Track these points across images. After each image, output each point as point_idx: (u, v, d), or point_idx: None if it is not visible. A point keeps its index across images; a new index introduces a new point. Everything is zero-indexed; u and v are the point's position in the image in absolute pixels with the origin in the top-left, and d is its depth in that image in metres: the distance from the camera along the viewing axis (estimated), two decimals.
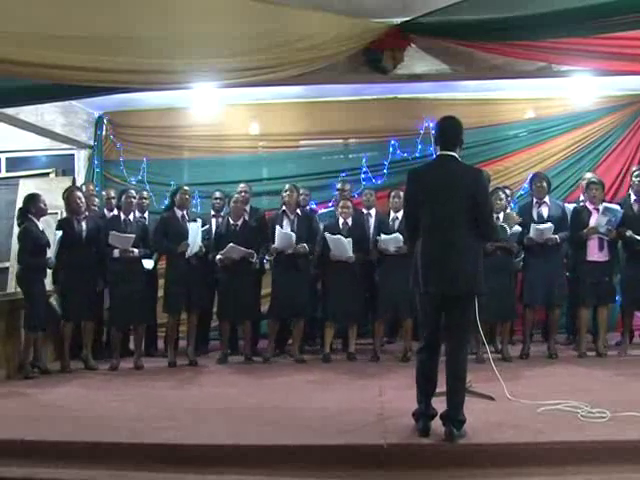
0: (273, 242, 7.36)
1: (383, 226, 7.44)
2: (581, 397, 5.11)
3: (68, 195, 7.32)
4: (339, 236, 7.25)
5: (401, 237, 7.06)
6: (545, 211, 7.21)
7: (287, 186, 7.69)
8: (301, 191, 7.94)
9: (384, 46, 6.19)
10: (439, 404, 4.47)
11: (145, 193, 8.22)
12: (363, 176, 9.36)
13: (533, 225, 7.09)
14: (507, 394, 5.28)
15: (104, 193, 8.63)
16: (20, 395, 6.15)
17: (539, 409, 4.95)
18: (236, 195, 7.68)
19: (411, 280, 4.53)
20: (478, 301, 4.49)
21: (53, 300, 7.24)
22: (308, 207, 8.27)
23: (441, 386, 4.45)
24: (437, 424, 4.42)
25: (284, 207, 7.56)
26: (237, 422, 4.97)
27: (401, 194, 7.36)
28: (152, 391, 6.19)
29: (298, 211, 7.62)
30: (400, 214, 7.31)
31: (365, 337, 8.25)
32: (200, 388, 6.31)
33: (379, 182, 9.20)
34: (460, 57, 6.25)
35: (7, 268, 7.32)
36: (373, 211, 8.01)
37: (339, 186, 8.24)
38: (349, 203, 7.63)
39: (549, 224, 7.09)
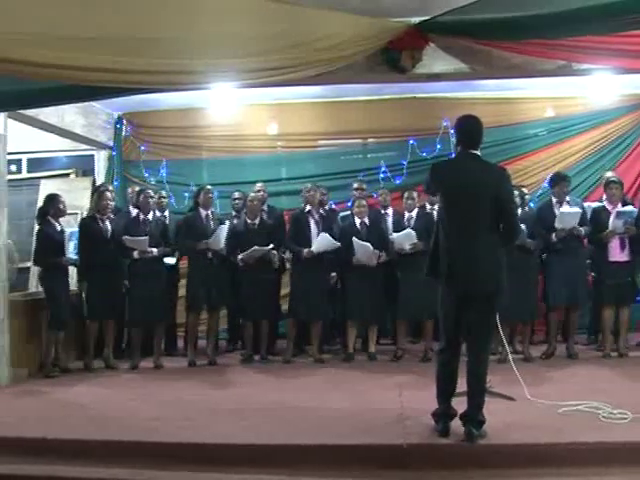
0: (301, 242, 7.35)
1: (398, 225, 7.43)
2: (602, 398, 5.06)
3: (100, 194, 7.38)
4: (368, 244, 7.24)
5: (413, 232, 7.05)
6: (566, 210, 7.14)
7: (309, 185, 7.69)
8: (309, 186, 7.90)
9: (402, 45, 6.15)
10: (459, 404, 4.45)
11: (163, 192, 8.25)
12: (382, 176, 9.31)
13: (560, 210, 7.03)
14: (527, 395, 5.25)
15: (129, 190, 8.67)
16: (42, 394, 6.21)
17: (560, 410, 4.92)
18: (252, 194, 7.70)
19: (427, 267, 4.52)
20: (499, 301, 4.47)
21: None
22: (328, 207, 8.26)
23: (461, 386, 4.43)
24: (457, 424, 4.41)
25: (308, 207, 7.56)
26: (256, 421, 4.98)
27: (414, 194, 7.45)
28: (171, 390, 6.21)
29: (322, 210, 7.61)
30: (414, 213, 7.35)
31: (385, 337, 8.24)
32: (219, 388, 6.32)
33: (398, 182, 9.16)
34: (479, 56, 6.21)
35: (28, 268, 7.39)
36: (390, 210, 8.01)
37: (355, 185, 8.22)
38: (364, 202, 7.60)
39: (577, 208, 7.04)
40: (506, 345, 6.01)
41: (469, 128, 4.53)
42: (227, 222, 7.52)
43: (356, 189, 8.16)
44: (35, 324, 7.13)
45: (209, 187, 7.69)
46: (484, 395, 4.41)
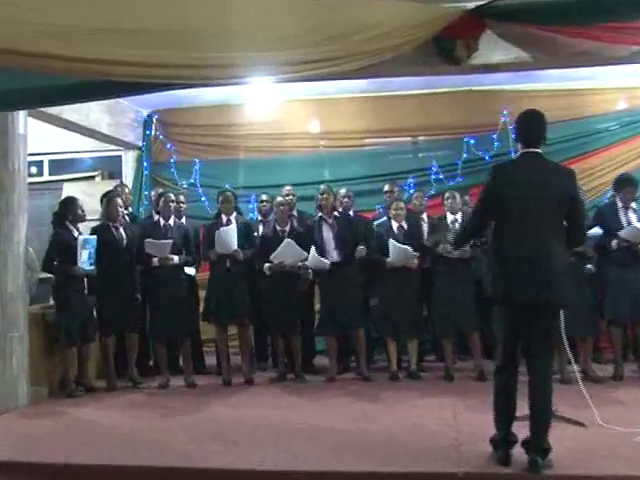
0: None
1: (439, 228, 7.41)
2: None
3: (108, 201, 7.46)
4: (406, 247, 7.24)
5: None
6: (633, 217, 7.01)
7: (322, 187, 7.70)
8: (343, 193, 7.95)
9: (456, 34, 6.11)
10: (521, 430, 4.40)
11: (182, 197, 8.20)
12: (434, 177, 9.29)
13: (634, 225, 6.91)
14: (598, 420, 5.16)
15: (152, 194, 8.78)
16: (62, 415, 6.29)
17: (636, 438, 4.82)
18: (279, 198, 7.74)
19: (489, 288, 4.47)
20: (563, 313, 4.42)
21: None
22: (351, 212, 8.14)
23: (523, 409, 4.38)
24: (519, 452, 4.36)
25: (320, 212, 7.59)
26: (296, 446, 4.98)
27: (456, 195, 7.47)
28: (205, 411, 6.27)
29: (336, 214, 7.61)
30: (459, 216, 7.36)
31: (430, 353, 8.24)
32: (256, 409, 6.34)
33: (452, 183, 9.10)
34: (542, 43, 6.12)
35: (50, 278, 7.48)
36: (424, 215, 8.02)
37: (387, 187, 8.24)
38: (402, 204, 7.59)
39: None
40: (572, 363, 5.92)
41: (530, 124, 4.50)
42: (233, 222, 7.44)
43: (386, 192, 8.18)
44: (54, 339, 7.17)
45: (228, 193, 7.69)
46: (549, 419, 4.35)
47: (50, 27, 4.27)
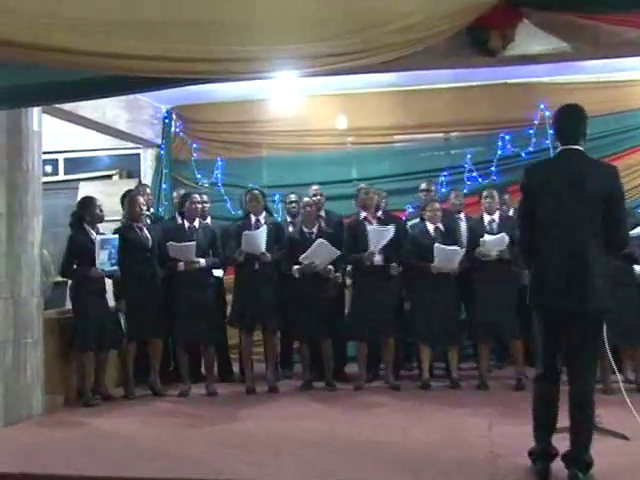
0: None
1: (477, 231, 7.37)
2: None
3: (130, 200, 7.48)
4: (455, 247, 7.22)
5: (507, 238, 6.98)
6: None
7: (362, 186, 7.70)
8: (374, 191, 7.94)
9: (491, 23, 6.07)
10: (560, 442, 4.35)
11: (205, 197, 8.19)
12: (467, 175, 9.26)
13: None
14: None
15: (175, 195, 8.80)
16: (79, 425, 6.29)
17: None
18: (306, 199, 7.74)
19: (528, 295, 4.43)
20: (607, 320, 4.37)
21: (121, 317, 7.40)
22: (382, 211, 8.07)
23: (563, 421, 4.33)
24: (558, 466, 4.30)
25: (364, 212, 7.56)
26: (323, 458, 4.96)
27: (494, 193, 7.44)
28: (227, 421, 6.26)
29: (380, 214, 7.59)
30: (496, 216, 7.35)
31: (467, 361, 8.19)
32: (280, 419, 6.32)
33: (486, 182, 9.05)
34: (583, 32, 6.06)
35: (66, 282, 7.52)
36: (462, 215, 7.99)
37: (423, 186, 8.18)
38: (437, 205, 7.55)
39: None
40: (616, 372, 5.85)
41: (569, 119, 4.46)
42: (264, 226, 7.44)
43: (423, 191, 8.13)
44: (70, 345, 7.17)
45: (256, 191, 7.70)
46: (592, 432, 4.29)
47: (63, 20, 4.29)
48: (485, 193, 7.46)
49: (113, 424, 6.26)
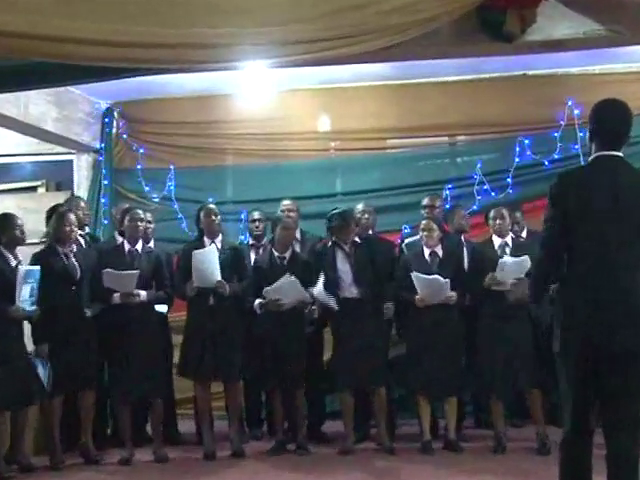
0: (328, 285, 7.31)
1: (486, 257, 7.34)
2: None
3: (59, 217, 7.34)
4: (435, 276, 7.20)
5: (529, 261, 6.95)
6: None
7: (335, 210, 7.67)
8: (360, 208, 7.97)
9: (508, 3, 6.12)
10: None
11: (149, 215, 8.11)
12: (477, 188, 9.26)
13: None
14: None
15: (114, 211, 8.72)
16: None
17: None
18: (286, 219, 7.74)
19: (555, 341, 4.41)
20: None
21: (39, 367, 7.24)
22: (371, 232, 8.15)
23: None
24: None
25: (333, 237, 7.55)
26: None
27: (505, 213, 7.40)
28: None
29: (356, 239, 7.57)
30: (508, 239, 7.35)
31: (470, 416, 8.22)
32: None
33: (501, 196, 9.09)
34: (620, 13, 6.11)
35: None
36: (462, 238, 8.00)
37: (426, 202, 8.11)
38: (433, 224, 7.52)
39: None
40: None
41: (608, 119, 4.43)
42: (213, 244, 7.42)
43: (426, 207, 8.08)
44: None
45: (212, 206, 7.69)
46: None
47: None
48: (493, 214, 7.40)
49: None
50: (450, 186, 9.24)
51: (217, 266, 7.26)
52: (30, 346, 7.27)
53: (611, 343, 4.20)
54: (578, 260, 4.32)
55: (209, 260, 7.26)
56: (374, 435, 7.70)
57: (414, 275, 7.20)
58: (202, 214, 7.58)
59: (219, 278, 7.24)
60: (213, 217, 7.53)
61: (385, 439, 7.39)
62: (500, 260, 7.13)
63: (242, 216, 9.25)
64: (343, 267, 7.44)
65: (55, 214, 7.48)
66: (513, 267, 7.04)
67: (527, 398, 7.35)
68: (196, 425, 7.86)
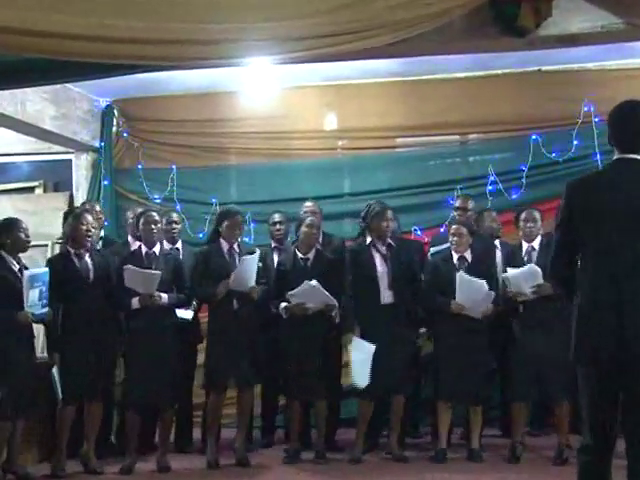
0: (365, 287, 7.36)
1: (513, 261, 7.33)
2: None
3: (76, 217, 7.33)
4: (481, 281, 7.15)
5: (538, 269, 6.92)
6: None
7: (373, 203, 7.65)
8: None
9: None
10: None
11: (175, 215, 8.22)
12: (490, 188, 9.23)
13: None
14: None
15: (129, 214, 8.70)
16: None
17: None
18: (309, 219, 7.66)
19: (572, 350, 4.37)
20: None
21: (55, 374, 7.24)
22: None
23: None
24: None
25: (369, 237, 7.54)
26: None
27: (536, 215, 7.34)
28: None
29: (390, 240, 7.54)
30: (536, 243, 7.27)
31: (491, 426, 8.13)
32: None
33: (514, 197, 9.08)
34: (639, 5, 6.10)
35: None
36: (497, 242, 7.94)
37: (459, 203, 8.10)
38: (463, 229, 7.46)
39: None
40: None
41: (626, 120, 4.40)
42: (257, 250, 7.47)
43: (458, 209, 8.04)
44: None
45: (237, 208, 7.69)
46: None
47: None
48: (524, 215, 7.33)
49: None
50: (461, 186, 9.19)
51: (255, 272, 7.29)
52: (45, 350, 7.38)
53: (617, 353, 4.17)
54: (589, 269, 4.30)
55: (252, 266, 7.28)
56: (382, 444, 7.67)
57: (460, 275, 7.17)
58: (228, 218, 7.49)
59: (254, 284, 7.26)
60: (239, 222, 7.53)
61: (395, 448, 7.37)
62: (502, 275, 7.19)
63: (246, 217, 9.22)
64: (381, 269, 7.39)
65: (71, 215, 7.49)
66: (520, 278, 7.02)
67: (555, 409, 7.31)
68: (202, 433, 7.86)
